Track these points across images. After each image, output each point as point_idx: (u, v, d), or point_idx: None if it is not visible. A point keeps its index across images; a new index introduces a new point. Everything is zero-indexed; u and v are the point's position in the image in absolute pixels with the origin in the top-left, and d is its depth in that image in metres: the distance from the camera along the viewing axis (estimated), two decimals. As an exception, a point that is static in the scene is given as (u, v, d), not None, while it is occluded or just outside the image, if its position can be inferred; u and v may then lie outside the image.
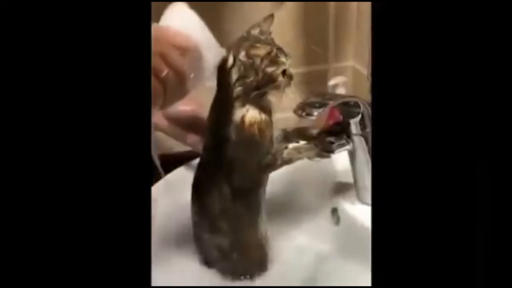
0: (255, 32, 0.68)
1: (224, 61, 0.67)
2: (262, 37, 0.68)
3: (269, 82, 0.66)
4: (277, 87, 0.67)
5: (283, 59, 0.67)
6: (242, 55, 0.65)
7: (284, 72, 0.67)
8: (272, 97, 0.68)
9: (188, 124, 0.83)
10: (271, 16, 0.69)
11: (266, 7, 0.71)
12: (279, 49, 0.67)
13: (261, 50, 0.65)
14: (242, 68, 0.65)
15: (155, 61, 0.59)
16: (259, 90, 0.66)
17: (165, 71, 0.60)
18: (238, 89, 0.66)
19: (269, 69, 0.66)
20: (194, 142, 0.83)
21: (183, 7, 0.65)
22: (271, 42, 0.68)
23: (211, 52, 0.66)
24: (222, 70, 0.67)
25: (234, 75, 0.66)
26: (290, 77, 0.69)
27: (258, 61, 0.65)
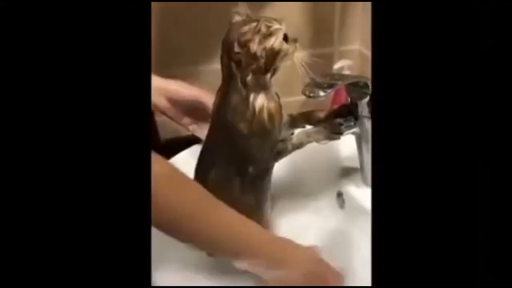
0: (237, 19, 0.66)
1: (223, 53, 0.65)
2: (246, 18, 0.66)
3: (275, 55, 0.64)
4: (286, 56, 0.65)
5: (276, 25, 0.64)
6: (236, 47, 0.63)
7: (286, 37, 0.65)
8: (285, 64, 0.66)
9: (188, 107, 0.83)
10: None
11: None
12: (268, 19, 0.64)
13: (249, 33, 0.63)
14: (242, 59, 0.63)
15: None
16: (270, 68, 0.65)
17: None
18: (249, 79, 0.64)
19: (268, 44, 0.64)
20: (189, 123, 0.85)
21: None
22: (255, 19, 0.65)
23: None
24: (225, 62, 0.66)
25: (238, 69, 0.64)
26: (295, 40, 0.66)
27: (252, 46, 0.63)
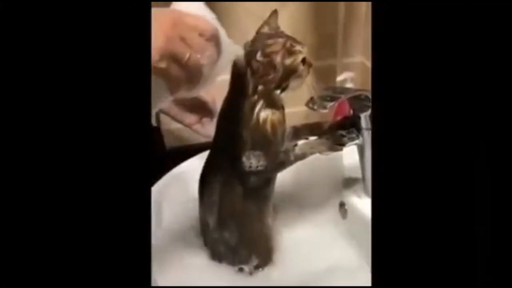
0: (265, 30, 0.69)
1: (239, 62, 0.67)
2: (273, 32, 0.68)
3: (290, 73, 0.67)
4: (299, 77, 0.68)
5: (299, 47, 0.67)
6: (258, 56, 0.65)
7: (303, 60, 0.68)
8: (294, 85, 0.68)
9: (190, 105, 0.84)
10: (275, 11, 0.70)
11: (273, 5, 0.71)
12: (292, 39, 0.67)
13: (276, 46, 0.65)
14: (261, 68, 0.65)
15: (176, 45, 0.57)
16: (282, 84, 0.67)
17: (187, 55, 0.57)
18: (260, 88, 0.66)
19: (288, 61, 0.66)
20: (192, 123, 0.85)
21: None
22: (283, 35, 0.68)
23: (226, 41, 0.65)
24: (237, 71, 0.67)
25: (253, 76, 0.66)
26: (310, 65, 0.69)
27: (276, 58, 0.65)
